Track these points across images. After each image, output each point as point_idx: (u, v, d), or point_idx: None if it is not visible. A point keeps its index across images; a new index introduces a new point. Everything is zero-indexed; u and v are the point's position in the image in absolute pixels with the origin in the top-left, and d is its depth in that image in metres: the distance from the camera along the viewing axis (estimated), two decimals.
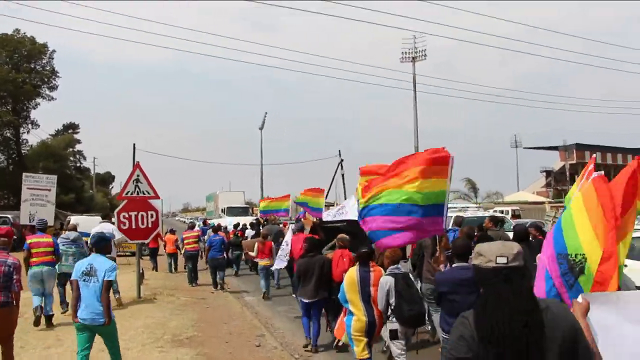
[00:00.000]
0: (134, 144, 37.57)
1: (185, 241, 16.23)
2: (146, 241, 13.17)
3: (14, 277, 6.14)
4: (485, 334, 2.18)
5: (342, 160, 40.95)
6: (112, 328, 6.01)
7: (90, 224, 13.92)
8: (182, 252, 16.79)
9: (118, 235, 11.95)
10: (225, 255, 15.25)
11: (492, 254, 2.34)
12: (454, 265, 5.11)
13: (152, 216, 12.17)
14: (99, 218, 19.12)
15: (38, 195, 25.37)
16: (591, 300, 2.71)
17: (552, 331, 2.21)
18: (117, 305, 10.43)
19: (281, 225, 18.71)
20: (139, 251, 12.80)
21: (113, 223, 12.28)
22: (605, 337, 2.59)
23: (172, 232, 19.90)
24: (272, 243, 13.63)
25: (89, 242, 6.98)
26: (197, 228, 18.25)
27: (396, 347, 5.92)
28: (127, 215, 11.92)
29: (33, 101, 42.32)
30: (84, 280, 5.87)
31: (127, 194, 12.08)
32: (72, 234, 10.62)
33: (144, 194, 12.18)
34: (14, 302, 6.18)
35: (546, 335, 2.18)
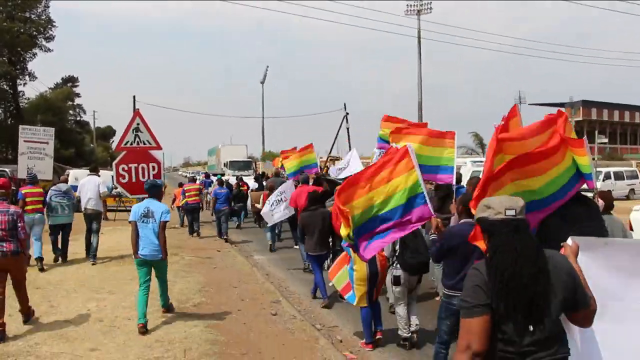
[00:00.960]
0: (134, 96, 36.23)
1: (186, 194, 15.98)
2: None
3: (19, 224, 6.36)
4: (497, 282, 2.30)
5: (347, 113, 39.52)
6: (166, 262, 6.99)
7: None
8: (182, 204, 16.61)
9: (103, 189, 12.03)
10: (229, 207, 15.86)
11: (501, 206, 2.44)
12: (462, 221, 5.01)
13: (153, 168, 11.05)
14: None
15: (35, 149, 24.11)
16: (580, 244, 2.75)
17: (556, 278, 2.36)
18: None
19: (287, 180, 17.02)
20: None
21: (99, 176, 12.44)
22: (592, 280, 2.61)
23: (181, 185, 19.22)
24: None
25: (144, 186, 7.72)
26: (198, 181, 18.63)
27: (395, 294, 6.04)
28: (126, 168, 10.82)
29: (30, 52, 40.66)
30: (142, 221, 6.68)
31: (126, 144, 10.92)
32: (63, 186, 11.39)
33: (144, 144, 11.03)
34: (22, 250, 6.52)
35: (552, 282, 2.34)
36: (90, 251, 11.25)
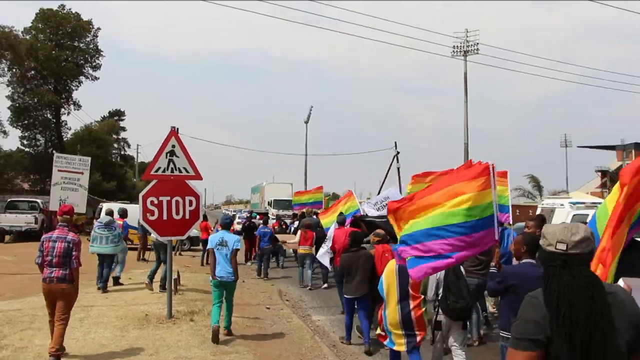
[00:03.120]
0: (174, 127, 34.53)
1: None
2: (183, 237, 9.57)
3: (73, 253, 6.22)
4: (553, 314, 2.17)
5: (398, 152, 37.09)
6: (235, 284, 7.99)
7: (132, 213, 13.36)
8: None
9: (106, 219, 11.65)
10: (272, 245, 15.90)
11: (554, 238, 2.33)
12: (523, 261, 4.87)
13: (190, 203, 8.68)
14: (135, 205, 16.17)
15: (70, 179, 22.59)
16: (632, 285, 2.75)
17: (620, 317, 2.19)
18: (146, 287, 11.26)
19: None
20: (169, 253, 9.18)
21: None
22: None
23: (206, 218, 18.71)
24: (314, 233, 13.63)
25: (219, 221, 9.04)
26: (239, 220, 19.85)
27: (437, 336, 5.83)
28: (156, 202, 8.46)
29: (76, 80, 39.76)
30: (217, 249, 7.76)
31: (157, 171, 8.59)
32: (105, 219, 11.68)
33: (180, 172, 8.69)
34: (72, 279, 6.25)
35: (613, 321, 2.16)
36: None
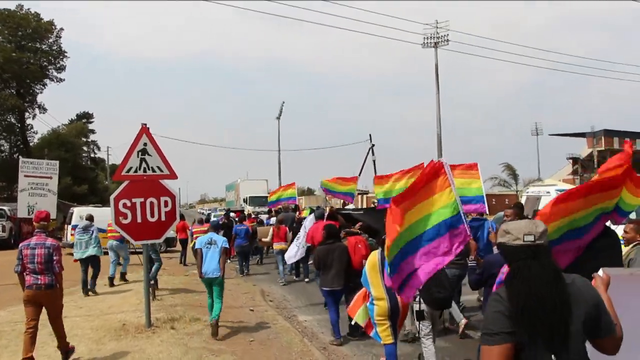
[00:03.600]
0: (144, 124, 33.48)
1: (194, 236, 14.79)
2: (159, 240, 8.96)
3: (54, 258, 6.24)
4: (516, 309, 2.25)
5: (373, 145, 36.98)
6: (222, 280, 8.13)
7: (99, 215, 13.15)
8: (192, 246, 15.01)
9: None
10: (250, 243, 15.76)
11: (520, 232, 2.40)
12: None
13: (166, 204, 8.16)
14: (107, 209, 15.49)
15: (37, 184, 21.70)
16: (611, 274, 2.75)
17: (577, 304, 2.29)
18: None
19: (296, 213, 17.63)
20: (146, 255, 8.68)
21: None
22: (622, 310, 2.58)
23: (183, 218, 17.95)
24: (287, 228, 14.07)
25: (211, 224, 9.03)
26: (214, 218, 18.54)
27: (424, 327, 6.01)
28: (128, 204, 7.92)
29: (40, 83, 38.48)
30: (206, 247, 8.01)
31: (128, 171, 8.05)
32: (83, 223, 11.88)
33: (153, 171, 8.17)
34: (58, 283, 6.33)
35: (572, 308, 2.27)
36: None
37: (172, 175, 8.31)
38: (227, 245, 8.27)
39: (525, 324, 2.24)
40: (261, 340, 7.69)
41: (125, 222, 7.84)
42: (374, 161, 35.59)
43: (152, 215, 8.01)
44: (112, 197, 7.90)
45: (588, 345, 2.40)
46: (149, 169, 8.07)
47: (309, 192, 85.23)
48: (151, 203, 7.99)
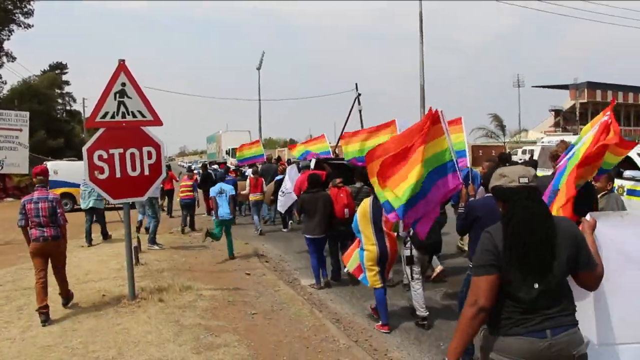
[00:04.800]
0: (122, 60, 31.54)
1: (181, 189, 14.60)
2: (143, 198, 7.65)
3: (58, 210, 6.43)
4: (513, 245, 2.46)
5: (359, 94, 35.52)
6: (234, 220, 10.78)
7: (75, 170, 13.58)
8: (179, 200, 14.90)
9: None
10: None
11: (515, 175, 2.60)
12: (486, 195, 5.04)
13: (150, 155, 6.92)
14: (82, 163, 14.19)
15: (6, 137, 19.90)
16: (598, 218, 2.92)
17: (564, 239, 2.51)
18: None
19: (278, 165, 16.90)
20: (127, 218, 7.39)
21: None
22: (609, 250, 2.82)
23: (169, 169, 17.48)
24: (263, 179, 14.30)
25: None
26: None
27: (414, 274, 6.16)
28: (105, 156, 6.65)
29: (6, 29, 35.92)
30: (218, 196, 10.06)
31: (103, 117, 6.74)
32: None
33: (134, 116, 6.87)
34: (64, 235, 6.60)
35: (557, 243, 2.49)
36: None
37: (157, 122, 7.03)
38: (234, 192, 10.42)
39: (517, 258, 2.45)
40: (265, 312, 6.63)
41: (101, 177, 6.60)
42: (360, 111, 34.24)
43: (134, 169, 6.78)
44: (84, 149, 6.60)
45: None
46: (128, 114, 6.79)
47: (291, 142, 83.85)
48: (132, 154, 6.75)
